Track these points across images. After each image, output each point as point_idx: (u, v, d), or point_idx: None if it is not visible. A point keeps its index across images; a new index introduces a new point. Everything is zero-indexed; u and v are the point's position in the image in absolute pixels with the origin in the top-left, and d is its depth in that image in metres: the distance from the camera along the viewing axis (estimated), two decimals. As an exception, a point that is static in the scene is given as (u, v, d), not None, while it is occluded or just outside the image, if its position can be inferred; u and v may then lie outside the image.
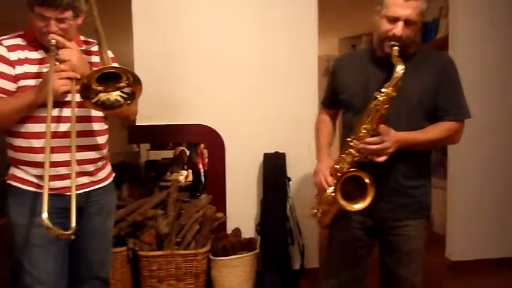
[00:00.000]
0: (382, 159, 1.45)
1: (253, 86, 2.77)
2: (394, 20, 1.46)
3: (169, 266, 2.36)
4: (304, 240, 2.75)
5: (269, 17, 2.78)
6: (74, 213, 1.33)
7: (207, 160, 5.86)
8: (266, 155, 2.71)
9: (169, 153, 5.55)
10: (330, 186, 1.54)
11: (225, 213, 2.71)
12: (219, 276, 2.46)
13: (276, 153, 2.71)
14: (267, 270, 2.67)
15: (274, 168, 2.68)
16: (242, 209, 2.78)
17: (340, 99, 1.67)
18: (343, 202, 1.48)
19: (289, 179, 2.72)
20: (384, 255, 1.67)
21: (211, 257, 2.45)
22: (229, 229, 2.73)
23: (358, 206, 1.49)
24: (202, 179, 5.34)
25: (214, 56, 2.74)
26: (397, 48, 1.45)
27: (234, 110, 2.75)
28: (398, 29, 1.45)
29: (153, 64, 2.66)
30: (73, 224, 1.31)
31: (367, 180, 1.47)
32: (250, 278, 2.56)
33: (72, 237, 1.32)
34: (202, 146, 5.94)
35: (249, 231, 2.77)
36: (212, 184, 2.79)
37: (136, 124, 2.66)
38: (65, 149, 1.48)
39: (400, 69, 1.42)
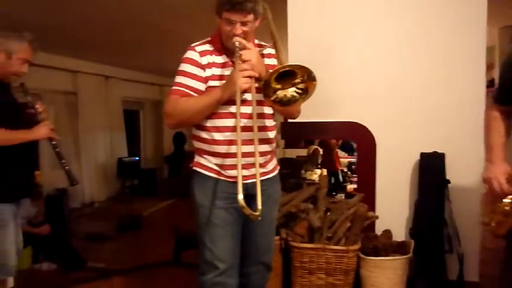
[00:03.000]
0: None
1: (409, 81, 2.64)
2: None
3: (319, 260, 2.41)
4: (464, 249, 2.51)
5: (427, 5, 2.61)
6: (259, 197, 1.45)
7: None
8: (423, 155, 2.55)
9: (303, 152, 5.67)
10: (507, 195, 1.36)
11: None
12: (369, 276, 2.41)
13: (435, 152, 2.54)
14: (419, 276, 2.53)
15: (431, 168, 2.51)
16: (393, 210, 2.68)
17: None
18: None
19: (448, 181, 2.52)
20: None
21: (362, 256, 2.42)
22: (378, 230, 2.65)
23: None
24: (341, 178, 5.31)
25: (367, 52, 2.69)
26: None
27: (387, 107, 2.66)
28: None
29: (306, 62, 2.73)
30: (259, 206, 1.43)
31: None
32: (401, 283, 2.45)
33: (259, 218, 1.43)
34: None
35: (399, 233, 2.65)
36: (361, 183, 2.76)
37: (288, 121, 2.77)
38: (243, 142, 1.62)
39: None
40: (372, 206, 2.65)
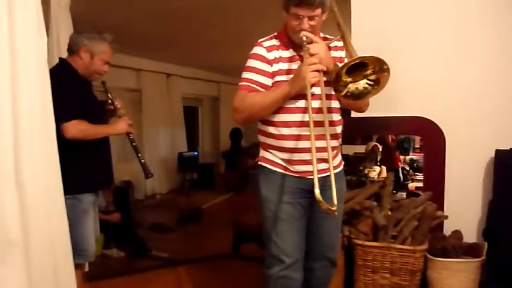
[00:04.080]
0: None
1: (483, 73, 2.46)
2: None
3: (384, 259, 2.34)
4: (546, 255, 2.32)
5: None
6: (334, 192, 1.43)
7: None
8: (498, 152, 2.38)
9: (361, 148, 5.52)
10: None
11: (442, 213, 2.52)
12: (437, 278, 2.31)
13: (512, 150, 2.37)
14: (492, 281, 2.37)
15: (508, 167, 2.33)
16: (463, 210, 2.52)
17: None
18: None
19: (528, 181, 2.34)
20: None
21: (430, 257, 2.31)
22: (446, 230, 2.52)
23: None
24: (401, 176, 5.11)
25: (435, 43, 2.55)
26: None
27: (458, 101, 2.50)
28: None
29: (370, 53, 2.65)
30: (335, 201, 1.42)
31: None
32: (473, 287, 2.31)
33: (336, 213, 1.43)
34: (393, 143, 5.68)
35: (469, 235, 2.50)
36: (428, 181, 2.63)
37: (351, 116, 2.71)
38: (310, 137, 1.62)
39: None
40: (440, 205, 2.52)
